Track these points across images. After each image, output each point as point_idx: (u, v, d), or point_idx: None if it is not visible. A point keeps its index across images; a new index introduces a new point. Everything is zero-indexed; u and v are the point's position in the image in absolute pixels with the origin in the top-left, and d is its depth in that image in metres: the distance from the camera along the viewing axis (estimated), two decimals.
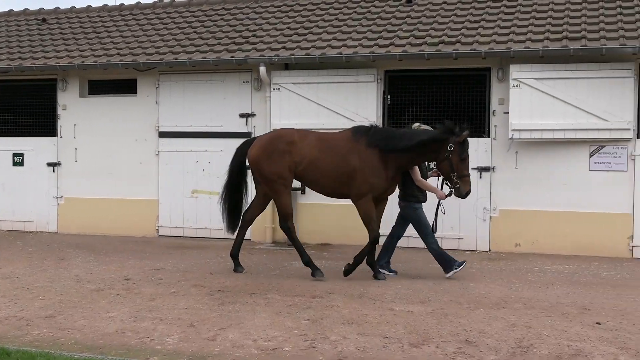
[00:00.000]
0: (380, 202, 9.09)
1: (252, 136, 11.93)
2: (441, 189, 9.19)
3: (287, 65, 12.39)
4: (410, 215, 9.17)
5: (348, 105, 11.94)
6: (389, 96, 12.09)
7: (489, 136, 11.39)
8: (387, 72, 12.06)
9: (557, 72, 10.96)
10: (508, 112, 11.15)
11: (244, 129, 12.61)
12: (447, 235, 11.40)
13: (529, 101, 11.00)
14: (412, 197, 9.13)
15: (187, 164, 12.94)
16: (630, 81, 10.74)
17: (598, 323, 6.92)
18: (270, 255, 11.20)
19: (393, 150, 8.77)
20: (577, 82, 10.87)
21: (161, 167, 13.11)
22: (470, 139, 11.41)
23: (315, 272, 9.09)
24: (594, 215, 10.92)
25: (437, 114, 12.06)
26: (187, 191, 12.96)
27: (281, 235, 12.39)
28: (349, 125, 11.81)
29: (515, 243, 11.21)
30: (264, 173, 9.16)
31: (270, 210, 12.38)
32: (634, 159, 10.84)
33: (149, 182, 13.16)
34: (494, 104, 11.48)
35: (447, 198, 9.01)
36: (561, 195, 11.11)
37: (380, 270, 9.19)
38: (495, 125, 11.40)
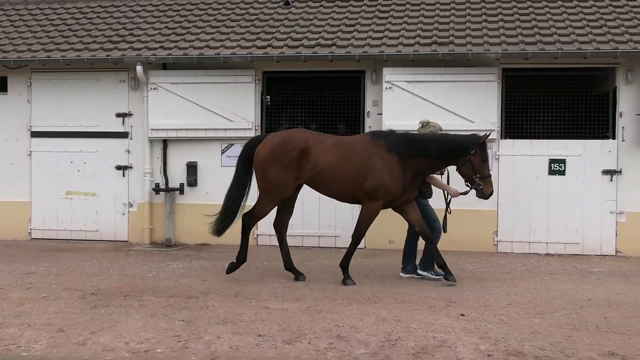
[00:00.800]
0: (405, 205, 8.79)
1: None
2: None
3: (165, 65, 12.19)
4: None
5: (227, 105, 11.88)
6: (268, 97, 12.12)
7: None
8: (265, 73, 12.08)
9: (428, 75, 11.33)
10: (381, 114, 11.42)
11: (120, 129, 12.31)
12: None
13: (401, 103, 11.31)
14: (419, 194, 8.97)
15: (61, 165, 12.49)
16: (494, 85, 11.24)
17: (462, 315, 7.19)
18: (148, 256, 10.98)
19: (417, 155, 8.57)
20: (446, 85, 11.28)
21: (34, 168, 12.59)
22: None
23: (232, 269, 8.96)
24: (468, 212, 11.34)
25: (314, 115, 12.23)
26: (61, 192, 12.50)
27: (159, 236, 12.19)
28: (228, 125, 11.84)
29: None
30: (267, 176, 8.75)
31: (147, 211, 12.15)
32: (498, 159, 11.34)
33: (20, 183, 12.61)
34: (369, 106, 11.73)
35: (460, 196, 8.97)
36: None
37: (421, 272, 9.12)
38: (369, 126, 11.64)
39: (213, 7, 13.86)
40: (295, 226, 11.79)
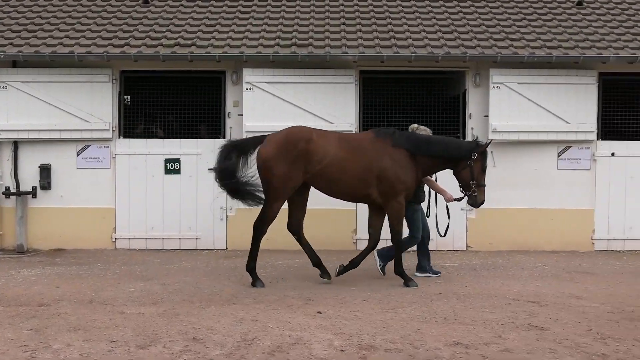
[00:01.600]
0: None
1: None
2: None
3: (16, 63, 11.65)
4: (408, 215, 9.03)
5: (82, 105, 11.50)
6: (127, 97, 11.85)
7: (224, 137, 11.58)
8: (124, 73, 11.80)
9: (288, 76, 11.45)
10: (242, 115, 11.43)
11: None
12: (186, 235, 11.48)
13: (262, 104, 11.37)
14: (414, 197, 8.98)
15: None
16: (352, 86, 11.52)
17: (319, 312, 7.34)
18: None
19: (424, 154, 8.68)
20: (306, 87, 11.45)
21: None
22: (205, 140, 11.69)
23: (256, 282, 8.74)
24: (322, 211, 11.55)
25: (175, 115, 12.07)
26: None
27: (10, 242, 11.63)
28: (84, 126, 11.47)
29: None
30: (272, 174, 8.54)
31: None
32: None
33: None
34: (229, 106, 11.71)
35: (454, 201, 9.12)
36: None
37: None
38: (230, 127, 11.63)
39: (68, 4, 13.37)
40: (156, 228, 11.61)
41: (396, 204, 8.67)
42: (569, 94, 11.51)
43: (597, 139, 11.69)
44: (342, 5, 13.32)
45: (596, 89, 11.57)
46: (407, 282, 8.80)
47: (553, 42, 11.72)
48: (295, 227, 9.03)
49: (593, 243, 11.64)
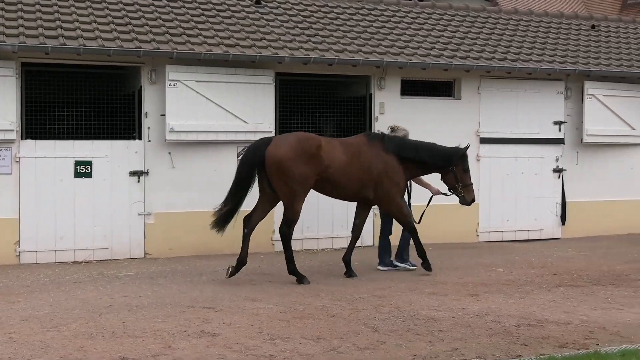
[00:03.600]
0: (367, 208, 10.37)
1: None
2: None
3: None
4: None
5: None
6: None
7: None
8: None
9: None
10: None
11: None
12: None
13: None
14: None
15: None
16: (12, 80, 10.86)
17: None
18: None
19: (410, 159, 10.01)
20: None
21: None
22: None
23: (302, 279, 9.58)
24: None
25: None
26: None
27: None
28: None
29: None
30: (290, 175, 9.41)
31: None
32: (18, 161, 11.00)
33: None
34: None
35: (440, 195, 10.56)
36: None
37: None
38: None
39: None
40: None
41: (396, 204, 10.01)
42: (247, 94, 11.98)
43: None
44: None
45: (273, 88, 12.20)
46: (426, 265, 10.25)
47: (231, 39, 12.13)
48: (253, 224, 9.76)
49: (273, 244, 12.23)
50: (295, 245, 12.06)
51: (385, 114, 12.87)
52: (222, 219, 9.67)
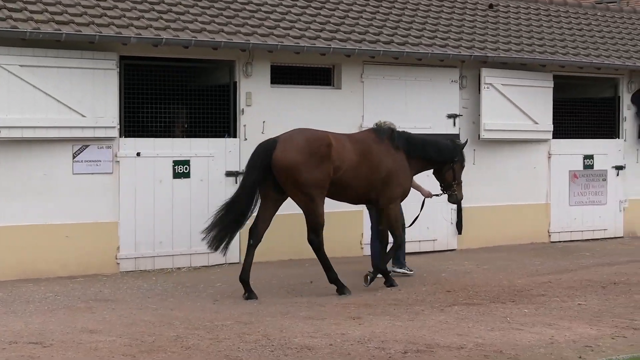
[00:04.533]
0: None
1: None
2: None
3: None
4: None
5: None
6: None
7: None
8: None
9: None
10: None
11: None
12: None
13: None
14: None
15: None
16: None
17: None
18: None
19: (419, 156, 10.87)
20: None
21: None
22: None
23: (343, 289, 10.30)
24: None
25: None
26: None
27: None
28: None
29: None
30: (302, 180, 9.97)
31: None
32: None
33: None
34: None
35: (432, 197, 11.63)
36: None
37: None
38: None
39: None
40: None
41: (395, 208, 10.73)
42: (85, 81, 11.71)
43: (120, 136, 12.10)
44: None
45: (117, 75, 12.01)
46: (390, 281, 10.96)
47: (64, 15, 11.72)
48: (258, 235, 10.20)
49: (118, 263, 12.04)
50: (145, 265, 12.13)
51: (252, 106, 12.94)
52: (222, 233, 10.23)
